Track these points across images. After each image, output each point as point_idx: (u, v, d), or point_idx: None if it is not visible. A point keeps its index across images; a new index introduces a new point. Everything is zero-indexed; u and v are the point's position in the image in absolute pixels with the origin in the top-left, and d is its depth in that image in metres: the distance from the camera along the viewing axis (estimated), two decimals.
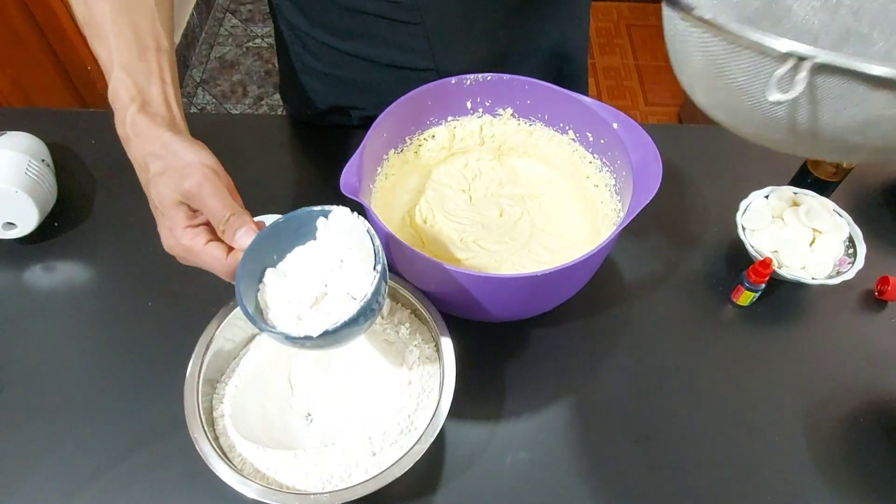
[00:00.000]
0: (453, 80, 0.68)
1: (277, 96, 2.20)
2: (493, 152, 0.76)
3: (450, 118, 0.72)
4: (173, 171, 0.48)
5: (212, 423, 0.55)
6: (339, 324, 0.44)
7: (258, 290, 0.50)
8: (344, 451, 0.54)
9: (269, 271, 0.50)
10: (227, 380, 0.59)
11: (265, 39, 2.40)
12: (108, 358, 0.66)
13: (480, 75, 0.68)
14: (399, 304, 0.63)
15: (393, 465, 0.51)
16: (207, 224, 0.50)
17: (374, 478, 0.50)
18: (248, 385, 0.58)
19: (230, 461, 0.52)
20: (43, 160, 0.74)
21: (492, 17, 0.72)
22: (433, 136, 0.72)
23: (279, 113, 2.15)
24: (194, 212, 0.50)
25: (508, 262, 0.68)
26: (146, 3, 0.54)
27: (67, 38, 1.57)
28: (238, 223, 0.48)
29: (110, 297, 0.71)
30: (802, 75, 0.34)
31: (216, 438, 0.54)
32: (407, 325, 0.61)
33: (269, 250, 0.50)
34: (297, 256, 0.51)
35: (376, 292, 0.45)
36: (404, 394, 0.57)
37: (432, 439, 0.52)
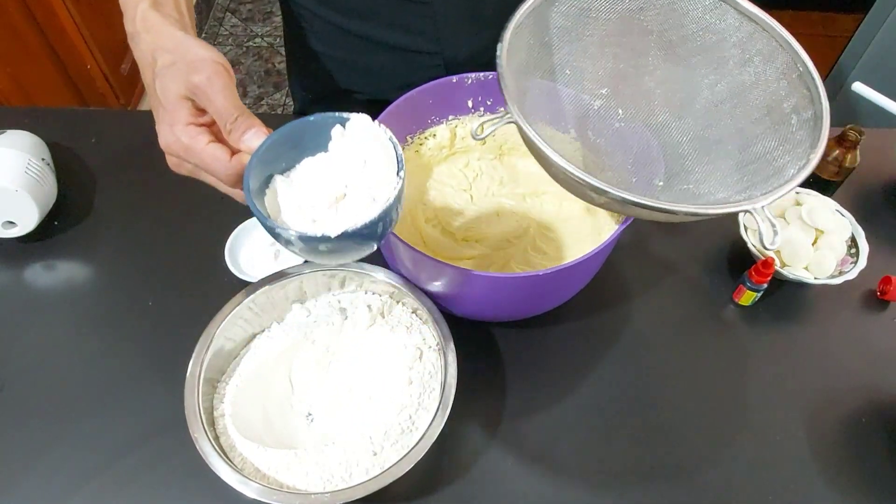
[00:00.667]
0: (454, 78, 0.68)
1: (278, 96, 2.20)
2: (493, 151, 0.76)
3: (451, 117, 0.71)
4: (182, 63, 0.46)
5: (212, 422, 0.55)
6: (359, 225, 0.41)
7: (265, 195, 0.47)
8: (345, 450, 0.53)
9: (277, 177, 0.47)
10: (227, 379, 0.59)
11: (265, 39, 2.40)
12: (109, 357, 0.66)
13: (482, 74, 0.68)
14: (400, 304, 0.63)
15: (394, 465, 0.50)
16: (211, 125, 0.47)
17: (374, 478, 0.50)
18: (248, 384, 0.58)
19: (230, 461, 0.52)
20: (43, 159, 0.73)
21: (501, 2, 0.72)
22: (434, 135, 0.72)
23: (279, 112, 2.15)
24: (199, 111, 0.47)
25: (510, 262, 0.67)
26: None
27: (67, 37, 1.57)
28: (247, 123, 0.45)
29: (110, 295, 0.71)
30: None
31: (216, 438, 0.54)
32: (408, 324, 0.61)
33: (278, 158, 0.47)
34: (309, 165, 0.48)
35: (398, 199, 0.43)
36: (405, 393, 0.56)
37: (434, 439, 0.52)
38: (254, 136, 0.45)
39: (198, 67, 0.45)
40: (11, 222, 0.70)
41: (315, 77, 0.84)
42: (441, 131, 0.72)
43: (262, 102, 2.16)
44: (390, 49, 0.77)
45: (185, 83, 0.45)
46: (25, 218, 0.70)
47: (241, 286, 0.60)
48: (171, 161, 0.48)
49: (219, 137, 0.47)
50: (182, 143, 0.46)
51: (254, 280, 0.66)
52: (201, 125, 0.46)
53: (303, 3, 0.77)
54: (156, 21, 0.48)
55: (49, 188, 0.73)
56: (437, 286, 0.60)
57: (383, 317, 0.63)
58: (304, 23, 0.79)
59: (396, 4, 0.72)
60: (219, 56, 0.46)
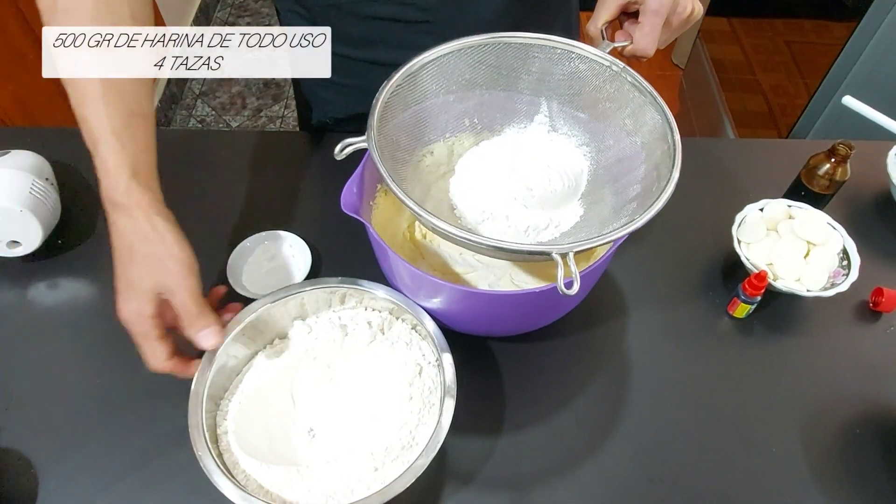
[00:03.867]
0: (451, 97, 0.69)
1: (276, 108, 2.21)
2: None
3: (447, 135, 0.72)
4: (159, 260, 0.52)
5: (215, 439, 0.56)
6: None
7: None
8: (346, 466, 0.54)
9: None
10: (230, 396, 0.60)
11: None
12: (112, 374, 0.67)
13: (478, 92, 0.69)
14: (400, 320, 0.64)
15: (395, 480, 0.51)
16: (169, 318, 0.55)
17: (376, 493, 0.51)
18: (250, 401, 0.59)
19: (234, 478, 0.53)
20: (47, 179, 0.74)
21: (493, 13, 0.74)
22: (431, 153, 0.73)
23: (278, 125, 2.16)
24: (163, 301, 0.53)
25: (507, 278, 0.68)
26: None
27: None
28: (203, 323, 0.54)
29: (114, 313, 0.71)
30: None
31: (220, 455, 0.55)
32: (408, 340, 0.62)
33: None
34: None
35: None
36: (405, 409, 0.57)
37: (433, 454, 0.52)
38: (209, 335, 0.54)
39: (171, 270, 0.52)
40: (16, 242, 0.71)
41: (327, 105, 0.86)
42: (438, 148, 0.73)
43: (260, 114, 2.18)
44: (382, 20, 0.77)
45: (158, 280, 0.52)
46: (29, 237, 0.71)
47: (242, 302, 0.61)
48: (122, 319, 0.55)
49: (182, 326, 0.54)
50: (137, 328, 0.54)
51: (255, 297, 0.67)
52: (156, 316, 0.53)
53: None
54: (141, 200, 0.53)
55: (53, 207, 0.74)
56: (435, 303, 0.61)
57: (383, 333, 0.63)
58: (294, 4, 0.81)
59: (402, 27, 0.74)
60: (190, 257, 0.54)
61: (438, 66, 0.64)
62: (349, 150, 0.57)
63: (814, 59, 1.61)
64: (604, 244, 0.52)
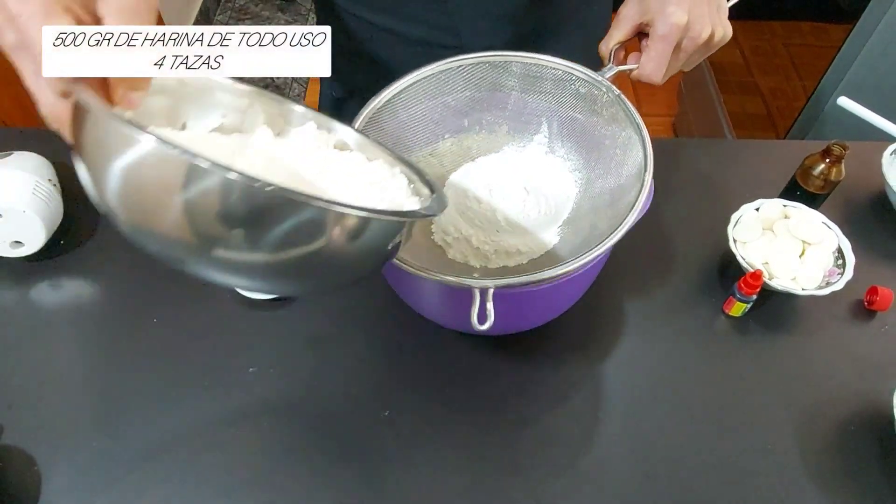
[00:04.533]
0: (451, 98, 0.69)
1: None
2: None
3: (447, 136, 0.73)
4: None
5: None
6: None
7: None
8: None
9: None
10: None
11: None
12: (115, 374, 0.67)
13: (478, 92, 0.70)
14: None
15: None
16: None
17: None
18: None
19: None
20: (49, 180, 0.75)
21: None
22: (431, 154, 0.74)
23: None
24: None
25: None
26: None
27: None
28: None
29: (116, 314, 0.72)
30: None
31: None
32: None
33: None
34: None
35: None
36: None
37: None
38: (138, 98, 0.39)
39: None
40: (19, 242, 0.72)
41: (339, 77, 0.87)
42: (426, 159, 0.74)
43: None
44: (413, 43, 0.79)
45: None
46: (32, 238, 0.72)
47: (243, 303, 0.62)
48: None
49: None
50: (20, 23, 0.35)
51: (254, 298, 0.67)
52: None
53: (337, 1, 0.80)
54: None
55: (55, 208, 0.74)
56: (432, 301, 0.61)
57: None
58: (333, 18, 0.83)
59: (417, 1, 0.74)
60: None
61: (435, 82, 0.65)
62: None
63: (811, 62, 1.62)
64: (527, 282, 0.51)
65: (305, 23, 2.58)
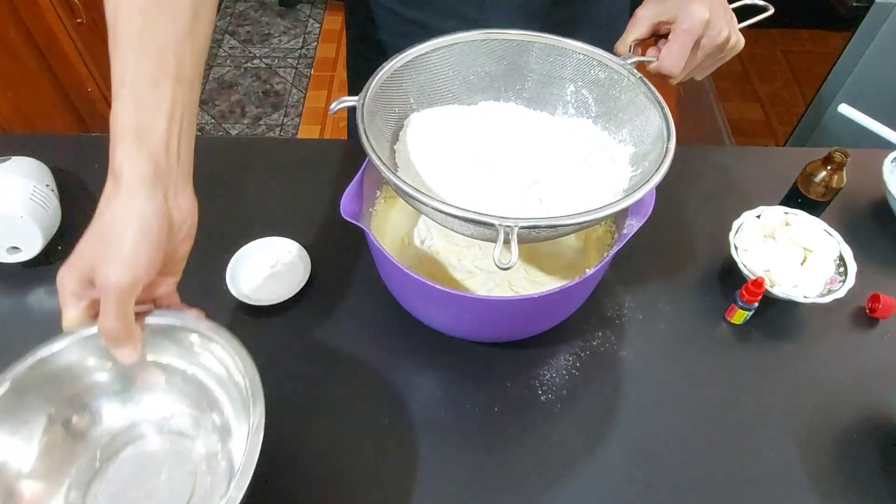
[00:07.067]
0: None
1: (276, 116, 2.22)
2: None
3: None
4: (104, 247, 0.44)
5: None
6: None
7: None
8: None
9: None
10: None
11: (263, 60, 2.42)
12: None
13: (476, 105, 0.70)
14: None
15: None
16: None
17: None
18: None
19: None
20: (47, 185, 0.75)
21: None
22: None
23: (277, 133, 2.17)
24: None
25: (505, 284, 0.69)
26: (179, 24, 0.47)
27: (68, 61, 1.59)
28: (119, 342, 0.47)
29: None
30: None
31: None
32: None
33: None
34: None
35: None
36: None
37: None
38: (125, 355, 0.48)
39: (109, 264, 0.44)
40: (16, 248, 0.72)
41: (375, 63, 0.88)
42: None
43: (259, 123, 2.18)
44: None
45: (93, 264, 0.45)
46: (30, 243, 0.72)
47: (242, 310, 0.61)
48: None
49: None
50: (59, 292, 0.47)
51: (256, 304, 0.67)
52: (75, 294, 0.47)
53: None
54: (135, 167, 0.44)
55: (53, 213, 0.74)
56: (433, 309, 0.61)
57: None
58: (363, 11, 0.83)
59: None
60: (138, 262, 0.44)
61: (457, 52, 0.65)
62: (341, 106, 0.58)
63: (811, 69, 1.63)
64: (553, 225, 0.50)
65: (305, 29, 2.59)
